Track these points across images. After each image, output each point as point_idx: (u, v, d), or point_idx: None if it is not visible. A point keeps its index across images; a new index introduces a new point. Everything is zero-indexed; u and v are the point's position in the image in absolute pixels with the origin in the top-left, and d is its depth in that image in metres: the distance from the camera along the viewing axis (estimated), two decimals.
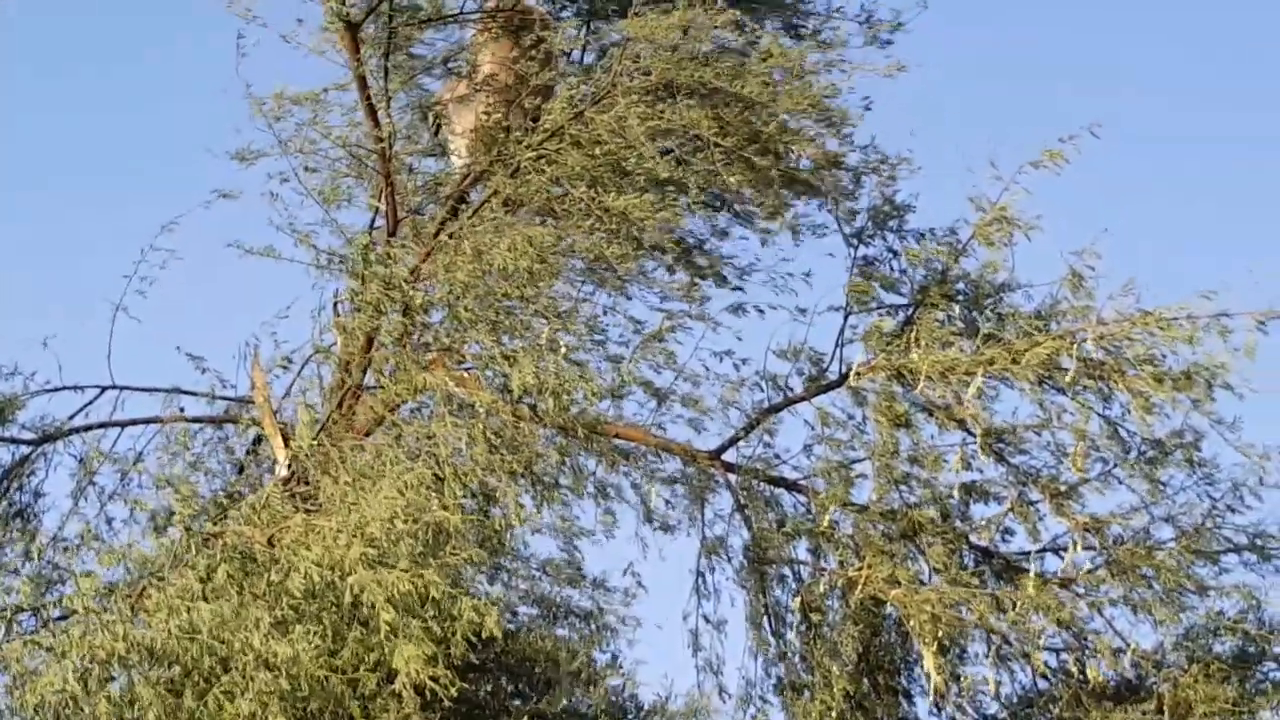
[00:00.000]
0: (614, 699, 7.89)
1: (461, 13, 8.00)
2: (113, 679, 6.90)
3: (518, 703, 7.58)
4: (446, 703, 6.74)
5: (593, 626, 8.04)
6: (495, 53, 7.97)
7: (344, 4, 7.49)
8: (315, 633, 6.75)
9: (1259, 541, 7.72)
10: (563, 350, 7.08)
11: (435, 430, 7.08)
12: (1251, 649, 7.81)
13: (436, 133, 8.20)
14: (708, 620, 7.98)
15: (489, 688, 7.58)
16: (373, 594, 6.55)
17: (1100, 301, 7.59)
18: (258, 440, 7.99)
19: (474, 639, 6.78)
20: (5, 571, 7.78)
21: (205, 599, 6.81)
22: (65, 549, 7.74)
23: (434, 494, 6.87)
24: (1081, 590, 7.70)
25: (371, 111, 7.68)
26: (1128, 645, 7.70)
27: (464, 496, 7.04)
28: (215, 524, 7.21)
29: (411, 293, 7.33)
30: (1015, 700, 7.88)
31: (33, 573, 7.67)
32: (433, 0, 8.16)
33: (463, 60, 8.17)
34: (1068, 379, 7.53)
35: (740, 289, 7.86)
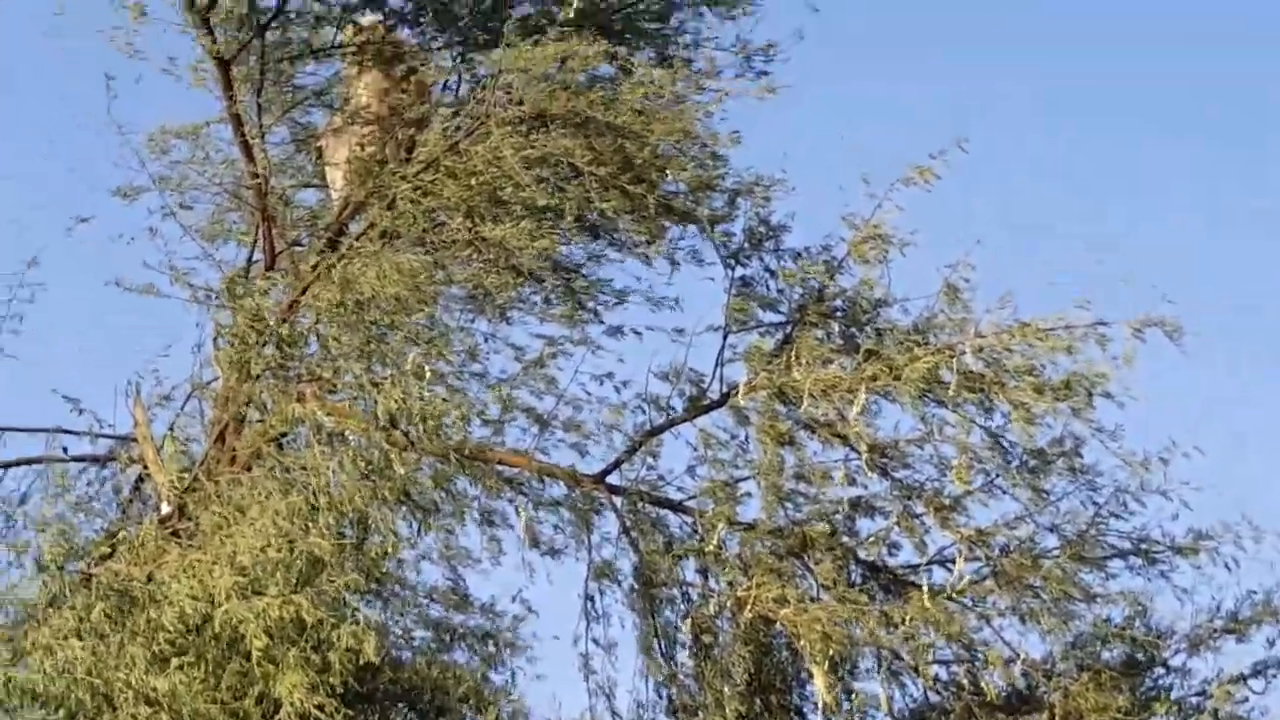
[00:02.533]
0: None
1: (333, 47, 8.48)
2: None
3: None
4: None
5: (491, 647, 8.46)
6: (368, 85, 8.43)
7: (215, 41, 7.99)
8: (193, 665, 7.11)
9: (1143, 546, 8.15)
10: (428, 374, 7.47)
11: (308, 460, 7.49)
12: (1140, 655, 8.24)
13: (317, 161, 8.68)
14: (598, 643, 8.36)
15: (376, 717, 7.95)
16: (246, 622, 6.91)
17: (978, 313, 8.03)
18: (141, 478, 8.37)
19: (357, 666, 7.16)
20: None
21: (80, 637, 7.14)
22: None
23: (308, 523, 7.26)
24: (970, 602, 8.12)
25: (246, 147, 8.16)
26: (1018, 655, 8.10)
27: (340, 525, 7.44)
28: (95, 564, 7.58)
29: (280, 324, 7.75)
30: (907, 714, 8.26)
31: None
32: (311, 31, 8.64)
33: (336, 93, 8.65)
34: (949, 392, 7.99)
35: (619, 306, 8.32)
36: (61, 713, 7.21)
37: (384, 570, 7.77)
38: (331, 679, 7.08)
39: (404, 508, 7.66)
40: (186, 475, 7.67)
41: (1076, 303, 7.95)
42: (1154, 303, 7.89)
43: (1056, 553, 8.17)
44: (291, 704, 6.98)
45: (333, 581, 7.20)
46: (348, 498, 7.38)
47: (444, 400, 7.38)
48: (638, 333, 8.29)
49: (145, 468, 8.28)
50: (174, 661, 7.11)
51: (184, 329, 8.39)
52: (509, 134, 7.90)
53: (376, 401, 7.39)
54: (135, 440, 8.36)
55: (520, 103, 7.98)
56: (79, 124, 8.60)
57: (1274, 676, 8.38)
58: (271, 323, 7.66)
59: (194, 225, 8.51)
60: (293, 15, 8.35)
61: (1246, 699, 8.34)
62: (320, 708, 6.98)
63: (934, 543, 8.18)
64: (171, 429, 8.10)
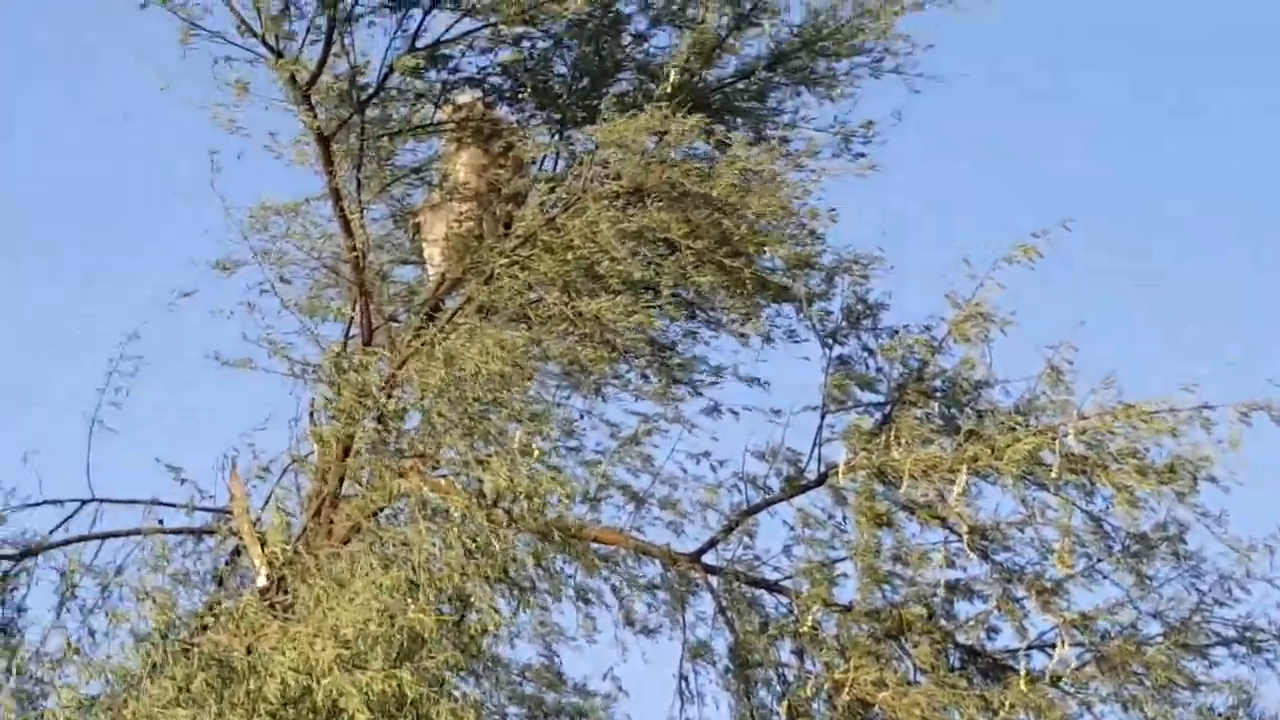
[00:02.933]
0: None
1: (432, 124, 8.72)
2: None
3: None
4: None
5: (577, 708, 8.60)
6: (467, 161, 8.66)
7: (316, 117, 8.22)
8: None
9: (1248, 634, 8.20)
10: (535, 453, 7.64)
11: (410, 536, 7.63)
12: None
13: (415, 237, 8.90)
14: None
15: None
16: (348, 696, 7.03)
17: (1080, 395, 8.13)
18: (237, 551, 8.52)
19: None
20: None
21: (181, 706, 7.29)
22: (48, 663, 8.21)
23: (409, 599, 7.37)
24: (1070, 688, 8.16)
25: (345, 223, 8.38)
26: None
27: (440, 601, 7.54)
28: (195, 634, 7.75)
29: (385, 400, 7.94)
30: None
31: (16, 688, 8.20)
32: (411, 108, 8.89)
33: (435, 169, 8.89)
34: (1052, 475, 8.06)
35: (714, 384, 8.50)
36: None
37: (480, 647, 7.89)
38: None
39: (502, 585, 7.82)
40: (285, 548, 7.84)
41: (1182, 385, 8.05)
42: (1261, 386, 8.03)
43: (1159, 639, 8.23)
44: None
45: (433, 657, 7.31)
46: (448, 574, 7.52)
47: (551, 479, 7.55)
48: (734, 412, 8.47)
49: (241, 540, 8.47)
50: None
51: (280, 402, 8.63)
52: (606, 208, 8.12)
53: (482, 478, 7.57)
54: (231, 513, 8.53)
55: (617, 177, 8.19)
56: (181, 195, 8.90)
57: None
58: (377, 399, 7.87)
59: (291, 300, 8.73)
60: (393, 92, 8.59)
61: None
62: None
63: (1034, 627, 8.24)
64: (271, 501, 8.27)
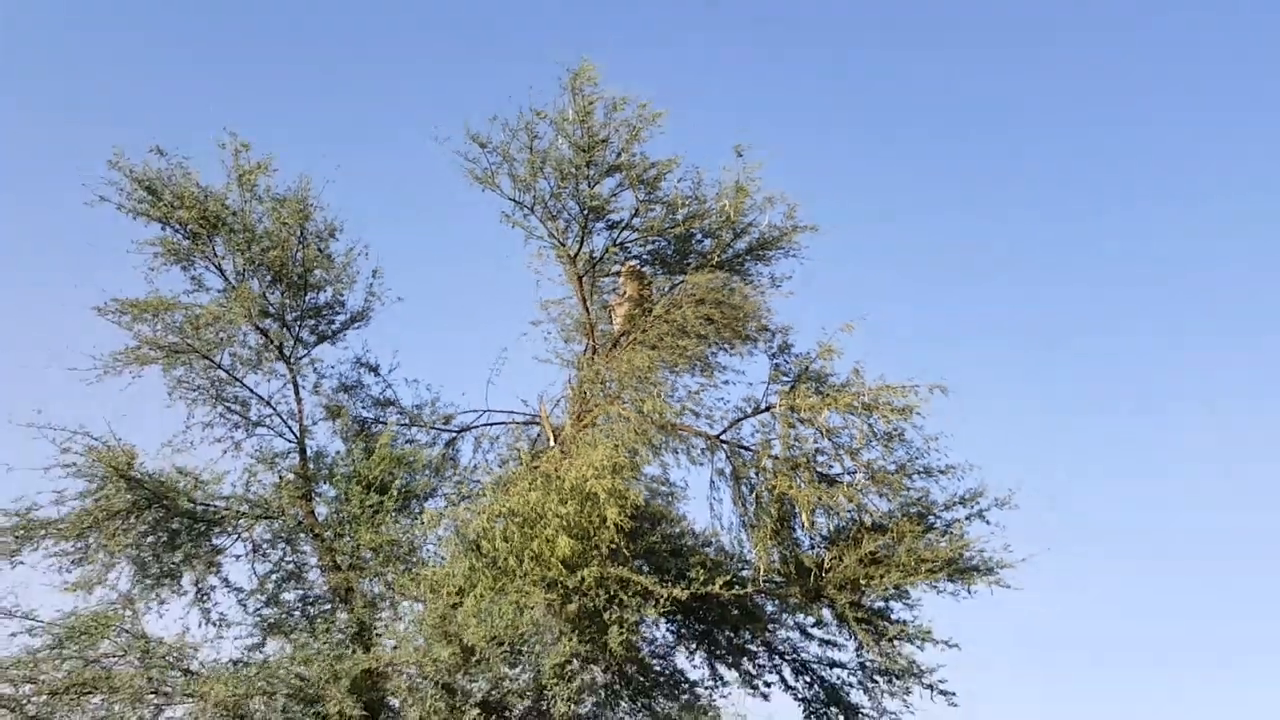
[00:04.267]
0: (690, 530, 12.19)
1: (619, 272, 12.05)
2: (495, 524, 10.92)
3: (648, 527, 11.76)
4: (625, 529, 10.74)
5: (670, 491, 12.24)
6: (632, 286, 12.03)
7: (577, 268, 12.35)
8: (574, 503, 10.65)
9: (928, 467, 11.79)
10: (661, 398, 11.29)
11: (615, 428, 11.09)
12: (926, 514, 11.81)
13: (610, 315, 12.56)
14: (712, 499, 12.06)
15: (639, 525, 11.55)
16: (597, 488, 10.51)
17: (870, 380, 11.58)
18: (539, 433, 12.23)
19: (636, 506, 10.80)
20: (450, 483, 12.17)
21: (530, 492, 10.78)
22: (474, 470, 12.05)
23: (617, 452, 10.93)
24: (861, 489, 11.73)
25: (585, 308, 11.76)
26: (879, 509, 11.67)
27: (626, 453, 11.01)
28: (533, 462, 11.50)
29: (605, 374, 11.86)
30: (835, 531, 11.92)
31: (458, 481, 12.16)
32: (611, 264, 12.09)
33: (619, 287, 12.35)
34: (859, 409, 11.64)
35: (725, 381, 12.45)
36: (520, 519, 10.75)
37: (640, 470, 11.87)
38: (628, 509, 10.65)
39: (650, 447, 11.36)
40: (568, 431, 11.52)
41: (908, 377, 11.73)
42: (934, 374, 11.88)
43: (894, 469, 11.61)
44: (612, 519, 10.44)
45: (628, 474, 11.04)
46: (629, 442, 10.95)
47: (669, 408, 11.26)
48: (733, 384, 12.00)
49: (543, 428, 12.09)
50: (569, 502, 10.58)
51: (557, 375, 12.70)
52: (691, 306, 11.48)
53: (641, 407, 11.06)
54: (540, 415, 12.14)
55: (694, 295, 11.60)
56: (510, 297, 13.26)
57: (970, 520, 11.90)
58: (601, 376, 11.75)
59: (558, 336, 12.57)
60: (605, 257, 11.94)
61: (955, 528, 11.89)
62: (621, 521, 10.58)
63: (847, 466, 11.68)
64: (556, 413, 12.07)
